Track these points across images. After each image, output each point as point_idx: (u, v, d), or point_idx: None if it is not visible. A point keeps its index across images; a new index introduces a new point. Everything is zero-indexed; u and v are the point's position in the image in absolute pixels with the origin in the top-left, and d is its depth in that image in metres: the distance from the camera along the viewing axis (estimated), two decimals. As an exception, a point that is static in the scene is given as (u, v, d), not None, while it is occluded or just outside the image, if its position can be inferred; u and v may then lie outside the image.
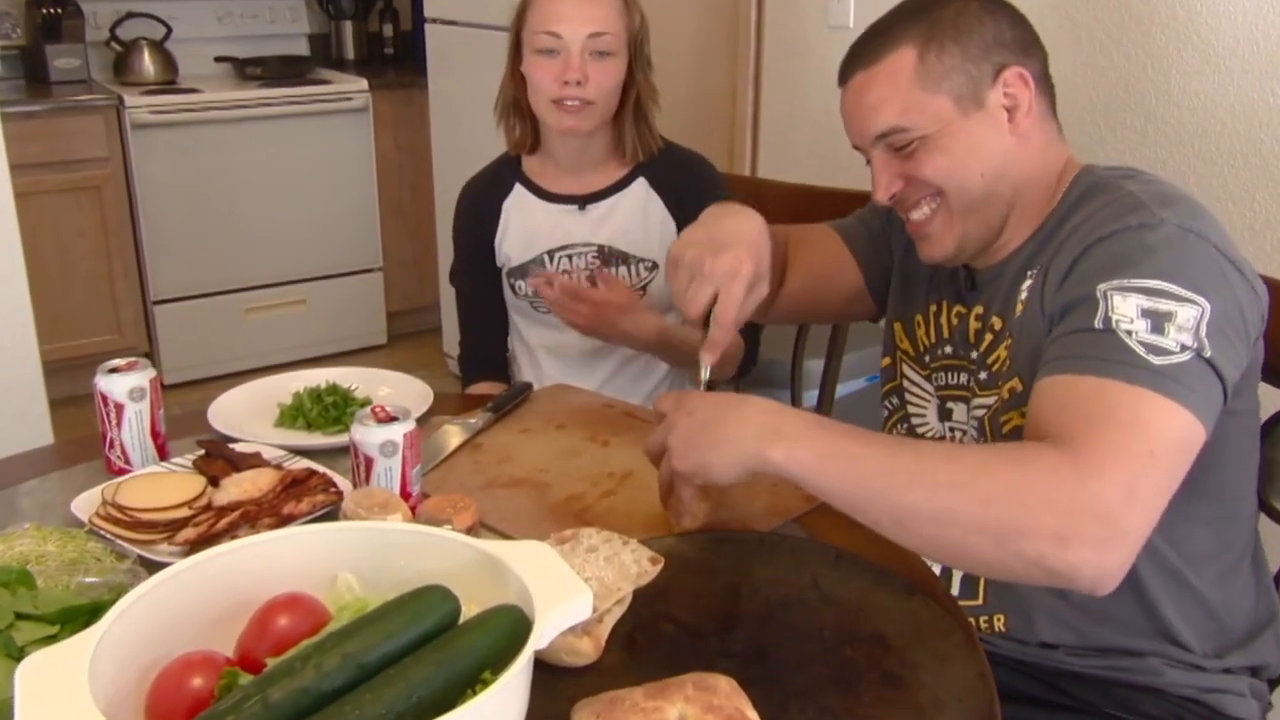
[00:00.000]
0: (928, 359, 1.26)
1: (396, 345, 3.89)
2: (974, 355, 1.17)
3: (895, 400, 1.30)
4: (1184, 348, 0.93)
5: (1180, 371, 0.92)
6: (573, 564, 0.92)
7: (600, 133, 1.65)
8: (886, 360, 1.31)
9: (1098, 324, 0.95)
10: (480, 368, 1.77)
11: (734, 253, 1.11)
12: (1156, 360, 0.92)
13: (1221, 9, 1.88)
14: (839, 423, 0.98)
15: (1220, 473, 1.06)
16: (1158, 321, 0.94)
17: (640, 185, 1.68)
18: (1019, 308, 1.10)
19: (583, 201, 1.69)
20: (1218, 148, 1.92)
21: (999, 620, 1.14)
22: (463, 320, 1.80)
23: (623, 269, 1.67)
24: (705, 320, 1.12)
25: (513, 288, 1.71)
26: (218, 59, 3.72)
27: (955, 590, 1.17)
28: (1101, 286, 0.97)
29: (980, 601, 1.16)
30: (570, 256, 1.68)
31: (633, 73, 1.63)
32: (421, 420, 1.36)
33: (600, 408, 1.47)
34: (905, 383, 1.28)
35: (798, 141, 2.74)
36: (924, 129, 1.09)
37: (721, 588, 1.01)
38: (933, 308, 1.25)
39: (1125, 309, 0.95)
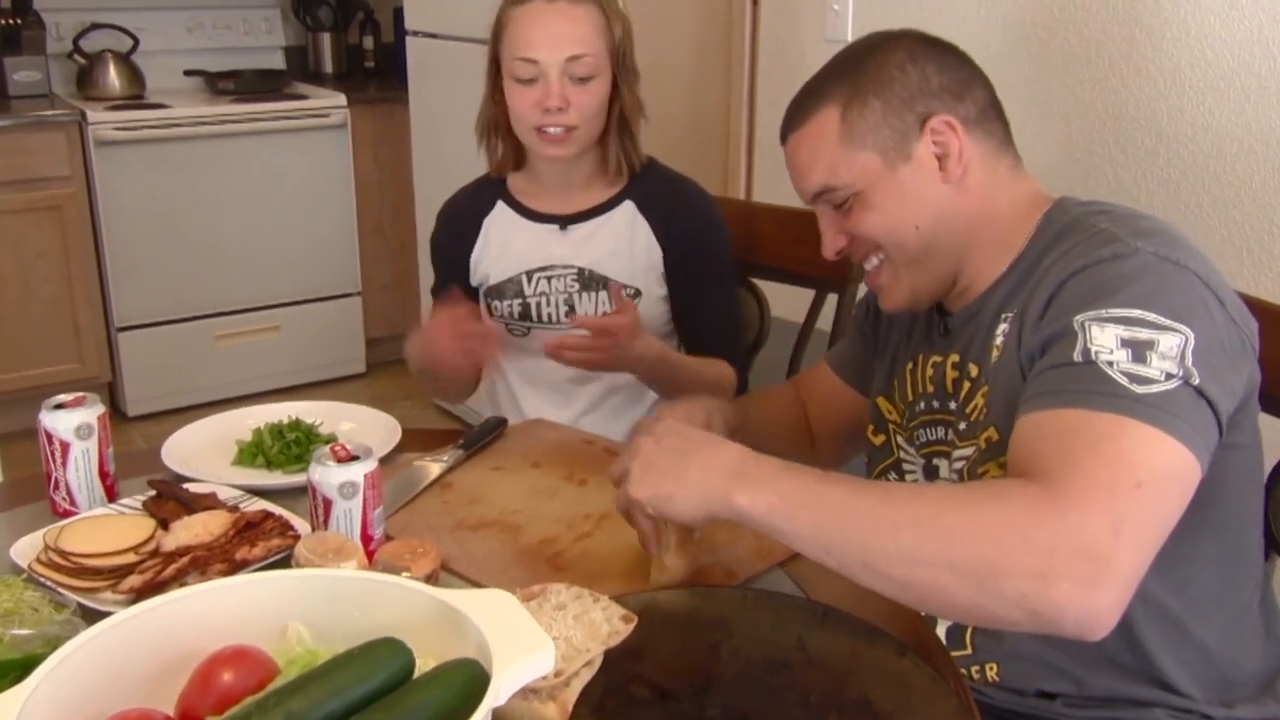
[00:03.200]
0: (907, 418, 1.27)
1: (376, 374, 3.90)
2: (953, 405, 1.18)
3: (893, 476, 1.30)
4: (1169, 376, 0.93)
5: (1166, 400, 0.92)
6: (539, 623, 0.92)
7: (586, 154, 1.66)
8: (881, 438, 1.32)
9: (1077, 357, 0.96)
10: None
11: (686, 402, 1.25)
12: (1140, 389, 0.92)
13: (1236, 23, 1.90)
14: (809, 467, 0.98)
15: (1222, 510, 1.06)
16: (1139, 350, 0.94)
17: (627, 208, 1.69)
18: (995, 353, 1.11)
19: (565, 222, 1.70)
20: (1234, 168, 1.93)
21: (991, 670, 1.14)
22: None
23: (602, 293, 1.68)
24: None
25: (490, 308, 1.72)
26: (187, 72, 3.74)
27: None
28: (1078, 318, 0.98)
29: (969, 651, 1.16)
30: (549, 278, 1.69)
31: (617, 86, 1.64)
32: (388, 458, 1.36)
33: (579, 444, 1.47)
34: (901, 454, 1.29)
35: (796, 160, 2.76)
36: (853, 186, 1.13)
37: (700, 647, 1.01)
38: (909, 365, 1.26)
39: (1104, 340, 0.95)
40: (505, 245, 1.71)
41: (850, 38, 2.52)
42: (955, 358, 1.18)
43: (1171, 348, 0.94)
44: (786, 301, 1.89)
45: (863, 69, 1.13)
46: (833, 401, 1.44)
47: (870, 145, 1.11)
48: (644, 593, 1.06)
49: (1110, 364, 0.94)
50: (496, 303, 1.71)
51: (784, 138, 1.20)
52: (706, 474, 0.98)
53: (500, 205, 1.73)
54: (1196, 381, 0.94)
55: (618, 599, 0.98)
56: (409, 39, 3.33)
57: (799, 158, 1.17)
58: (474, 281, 1.74)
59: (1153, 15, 2.01)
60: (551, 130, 1.59)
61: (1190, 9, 1.95)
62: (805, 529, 0.94)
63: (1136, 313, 0.96)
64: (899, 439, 1.29)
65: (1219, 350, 0.97)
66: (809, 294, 1.81)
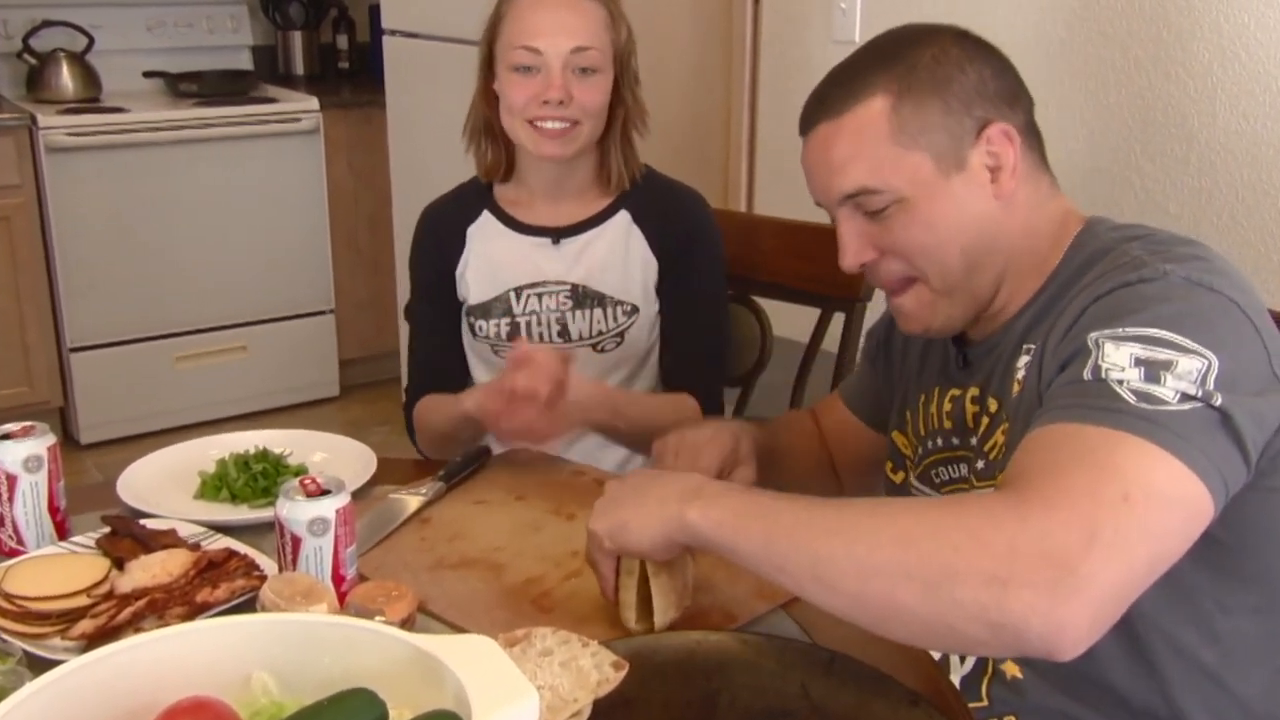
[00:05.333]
0: (920, 455, 1.27)
1: (351, 398, 3.90)
2: (973, 441, 1.18)
3: None
4: (1184, 397, 0.92)
5: (1175, 421, 0.90)
6: (524, 670, 0.92)
7: (583, 158, 1.67)
8: (900, 475, 1.32)
9: (1086, 374, 0.96)
10: (429, 394, 1.70)
11: (712, 428, 1.28)
12: (1146, 407, 0.91)
13: (1271, 21, 1.91)
14: (771, 491, 1.00)
15: (1261, 560, 1.06)
16: (1153, 370, 0.93)
17: (622, 219, 1.70)
18: (1015, 387, 1.10)
19: (557, 235, 1.70)
20: (1271, 177, 1.95)
21: (1011, 724, 1.14)
22: (414, 356, 1.78)
23: (597, 311, 1.68)
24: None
25: (473, 328, 1.72)
26: (147, 74, 3.76)
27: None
28: (1093, 335, 0.98)
29: (985, 703, 1.16)
30: (540, 295, 1.69)
31: (619, 91, 1.65)
32: (362, 491, 1.37)
33: (567, 475, 1.48)
34: (914, 493, 1.29)
35: (799, 172, 2.77)
36: (898, 191, 1.09)
37: (696, 696, 1.01)
38: (921, 398, 1.26)
39: (1117, 358, 0.95)
40: (491, 259, 1.71)
41: (859, 39, 2.54)
42: (975, 391, 1.17)
43: (1191, 371, 0.93)
44: (790, 320, 1.90)
45: (915, 61, 1.08)
46: (848, 436, 1.44)
47: (924, 146, 1.07)
48: (636, 637, 1.06)
49: (1120, 382, 0.93)
50: (481, 322, 1.71)
51: (810, 126, 1.14)
52: (663, 499, 1.01)
53: (486, 215, 1.73)
54: (1218, 403, 0.92)
55: (608, 644, 0.98)
56: (386, 38, 3.35)
57: (833, 151, 1.10)
58: (459, 296, 1.74)
59: (1181, 14, 2.03)
60: (550, 125, 1.60)
61: (1222, 6, 1.97)
62: (756, 543, 0.95)
63: (1157, 332, 0.95)
64: (914, 477, 1.29)
65: (1250, 380, 0.95)
66: (814, 313, 1.82)
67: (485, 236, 1.72)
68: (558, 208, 1.70)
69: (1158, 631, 1.07)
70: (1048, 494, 0.88)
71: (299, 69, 4.08)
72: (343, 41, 4.16)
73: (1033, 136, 1.14)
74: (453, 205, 1.76)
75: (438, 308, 1.75)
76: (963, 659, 1.19)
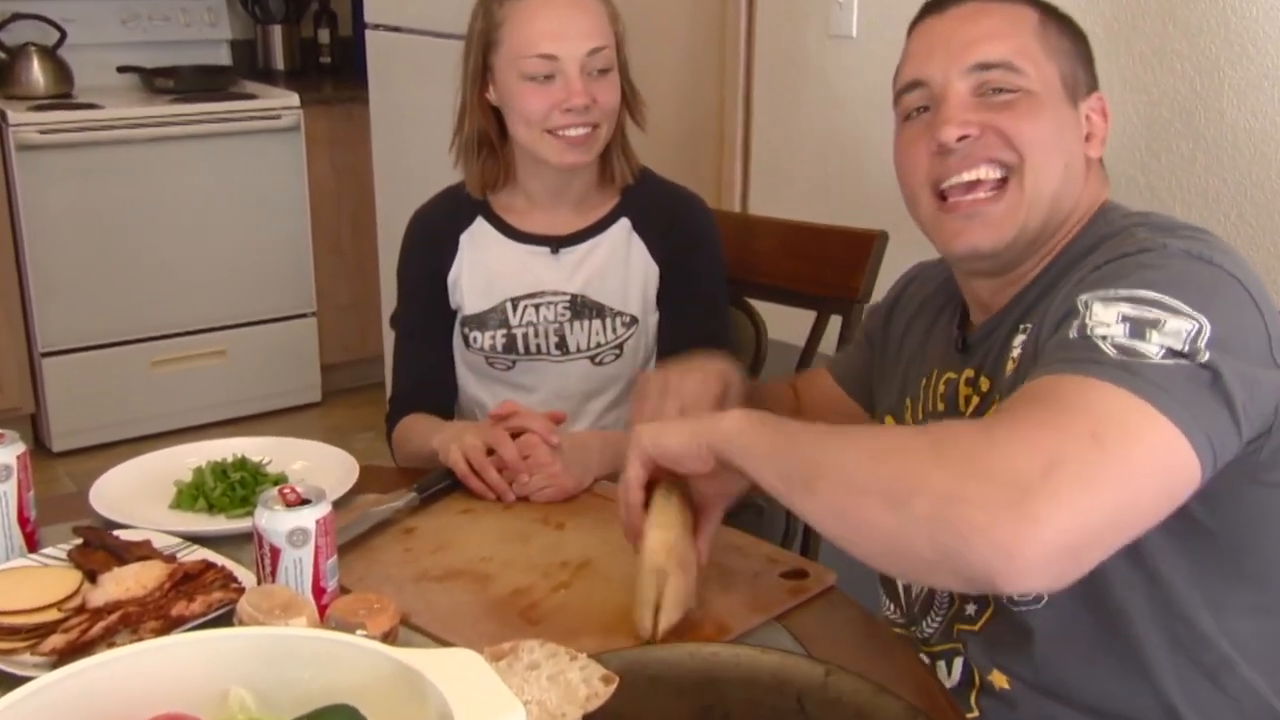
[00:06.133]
0: None
1: (333, 404, 3.89)
2: (965, 416, 1.19)
3: None
4: (1169, 353, 0.92)
5: (1157, 373, 0.91)
6: (510, 684, 0.92)
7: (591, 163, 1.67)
8: None
9: (1072, 334, 0.97)
10: (415, 408, 1.70)
11: (700, 373, 1.27)
12: (1126, 359, 0.92)
13: (1280, 15, 1.92)
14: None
15: (1261, 557, 1.07)
16: (1138, 327, 0.94)
17: (622, 227, 1.70)
18: (1009, 365, 1.12)
19: (556, 244, 1.69)
20: (1279, 175, 1.95)
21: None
22: (399, 366, 1.77)
23: (596, 323, 1.68)
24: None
25: (466, 339, 1.72)
26: (121, 69, 3.75)
27: None
28: (1084, 297, 0.99)
29: (976, 714, 1.17)
30: (537, 306, 1.68)
31: (629, 83, 1.66)
32: (344, 500, 1.37)
33: (556, 484, 1.48)
34: None
35: (796, 170, 2.78)
36: (1033, 83, 1.13)
37: (689, 711, 1.01)
38: (923, 382, 1.28)
39: (1104, 315, 0.96)
40: (487, 269, 1.70)
41: (856, 34, 2.54)
42: (970, 373, 1.19)
43: (1180, 330, 0.93)
44: (786, 323, 1.90)
45: (1051, 4, 1.17)
46: (829, 412, 1.45)
47: (1058, 63, 1.14)
48: (628, 650, 1.07)
49: (1104, 338, 0.94)
50: (476, 334, 1.70)
51: (952, 3, 1.17)
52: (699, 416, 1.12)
53: (480, 222, 1.72)
54: (1205, 360, 0.91)
55: (597, 657, 0.98)
56: (369, 33, 3.34)
57: (983, 22, 1.14)
58: (452, 303, 1.74)
59: (1188, 7, 2.03)
60: (573, 132, 1.59)
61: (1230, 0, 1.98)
62: (765, 452, 1.01)
63: (1147, 293, 0.96)
64: None
65: (1246, 351, 0.95)
66: (810, 315, 1.82)
67: (480, 245, 1.71)
68: (556, 215, 1.70)
69: (1149, 633, 1.07)
70: (1014, 422, 0.90)
71: (279, 64, 4.08)
72: (324, 36, 4.16)
73: None
74: (444, 210, 1.75)
75: (428, 316, 1.74)
76: (949, 672, 1.19)
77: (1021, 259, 1.16)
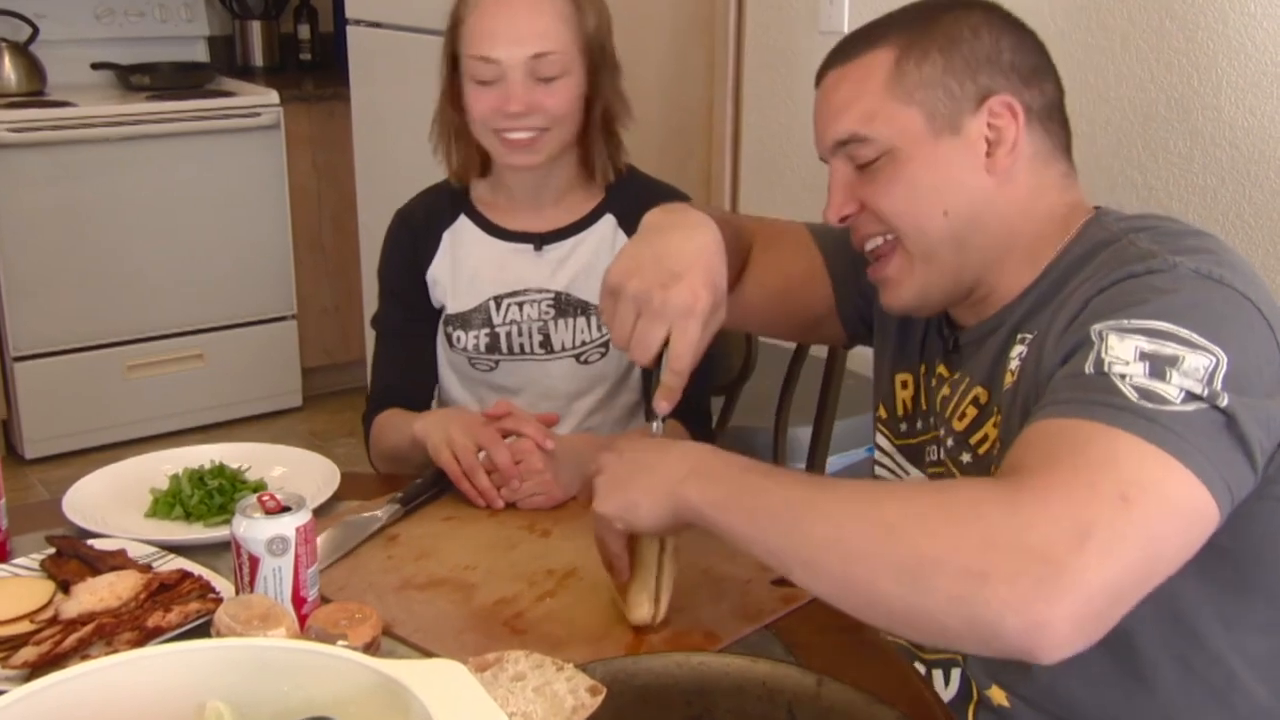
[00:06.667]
0: (904, 429, 1.28)
1: (314, 408, 3.89)
2: (955, 427, 1.19)
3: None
4: (1189, 396, 0.92)
5: (1178, 422, 0.91)
6: (495, 696, 0.92)
7: (564, 158, 1.66)
8: (884, 412, 1.33)
9: (1088, 368, 0.96)
10: (392, 406, 1.70)
11: (688, 283, 1.14)
12: (1149, 406, 0.92)
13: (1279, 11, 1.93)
14: (774, 466, 1.02)
15: (1272, 571, 1.06)
16: (1158, 366, 0.94)
17: (607, 224, 1.70)
18: (1008, 378, 1.11)
19: (539, 240, 1.70)
20: (1278, 173, 1.96)
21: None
22: (378, 366, 1.77)
23: (580, 320, 1.68)
24: (655, 364, 1.16)
25: (450, 339, 1.72)
26: (95, 65, 3.74)
27: None
28: (1097, 327, 0.98)
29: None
30: (521, 305, 1.69)
31: (596, 82, 1.64)
32: (324, 508, 1.36)
33: (542, 490, 1.48)
34: (900, 474, 1.30)
35: (786, 167, 2.79)
36: (887, 143, 1.11)
37: (678, 720, 1.01)
38: (923, 368, 1.27)
39: (1121, 351, 0.95)
40: (470, 267, 1.71)
41: (847, 29, 2.55)
42: (962, 379, 1.18)
43: (1198, 368, 0.93)
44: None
45: (934, 21, 1.13)
46: (788, 263, 1.38)
47: (918, 102, 1.10)
48: (615, 660, 1.07)
49: (1123, 376, 0.94)
50: (460, 334, 1.71)
51: (823, 74, 1.18)
52: (665, 477, 1.05)
53: (463, 219, 1.72)
54: (1224, 404, 0.92)
55: (584, 667, 0.98)
56: (350, 28, 3.34)
57: (834, 97, 1.15)
58: (433, 303, 1.74)
59: (1185, 3, 2.04)
60: (516, 135, 1.59)
61: (1226, -4, 1.99)
62: (747, 524, 0.98)
63: (1163, 325, 0.96)
64: (902, 457, 1.30)
65: (1260, 380, 0.96)
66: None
67: (462, 242, 1.72)
68: (539, 212, 1.70)
69: (1156, 649, 1.07)
70: (1039, 487, 0.89)
71: (258, 60, 4.07)
72: (304, 31, 4.15)
73: (1052, 122, 1.15)
74: (426, 207, 1.76)
75: (408, 315, 1.74)
76: (946, 683, 1.20)
77: (966, 291, 1.16)
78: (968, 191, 1.12)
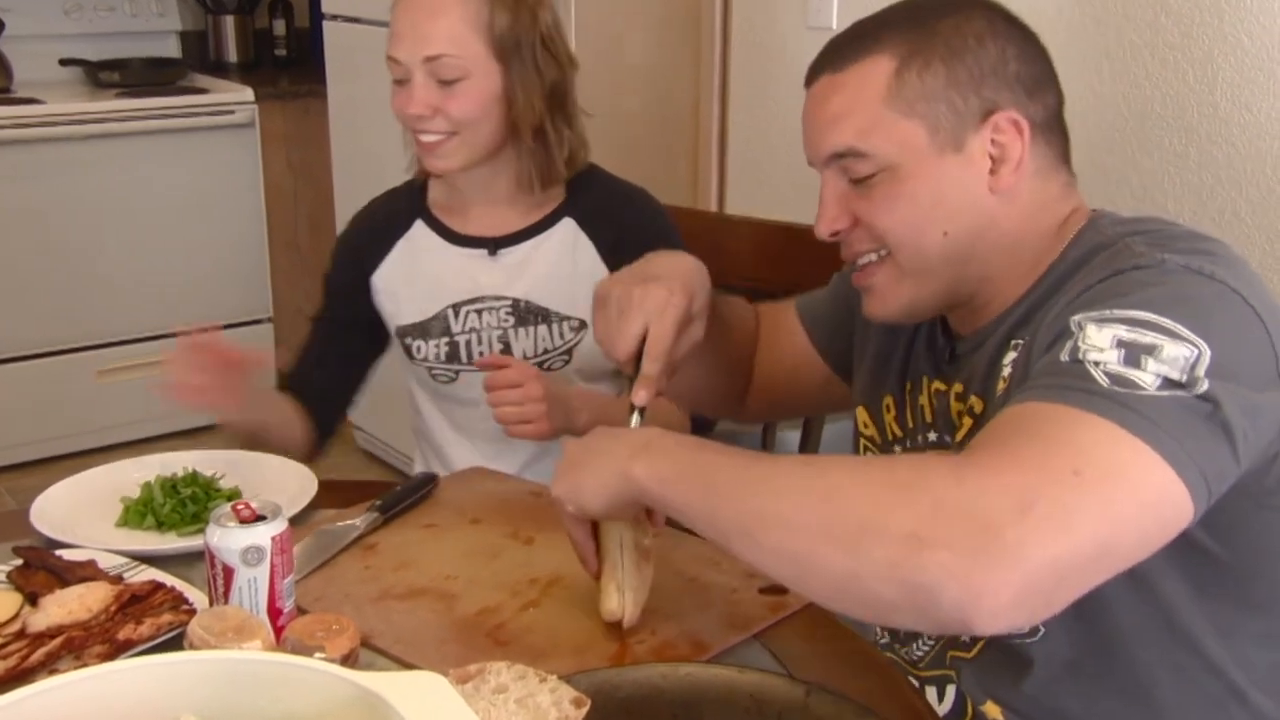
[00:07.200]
0: (900, 450, 1.28)
1: (289, 414, 3.88)
2: (956, 439, 1.19)
3: None
4: (1166, 383, 0.91)
5: (1149, 406, 0.90)
6: (476, 708, 0.92)
7: (500, 162, 1.65)
8: (876, 436, 1.33)
9: (1064, 357, 0.96)
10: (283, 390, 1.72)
11: (664, 283, 1.20)
12: (1120, 390, 0.91)
13: (1276, 5, 1.94)
14: (728, 445, 1.03)
15: (1271, 582, 1.07)
16: (1134, 354, 0.93)
17: (566, 226, 1.70)
18: (1001, 385, 1.11)
19: (494, 245, 1.69)
20: (1275, 170, 1.97)
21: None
22: (294, 355, 1.79)
23: (542, 328, 1.68)
24: (635, 362, 1.20)
25: (409, 350, 1.72)
26: (64, 61, 3.73)
27: None
28: (1077, 317, 0.98)
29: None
30: (479, 312, 1.69)
31: (514, 86, 1.60)
32: (301, 516, 1.36)
33: (525, 497, 1.48)
34: None
35: (774, 167, 2.79)
36: (886, 159, 1.09)
37: (663, 732, 1.01)
38: (908, 385, 1.26)
39: (1098, 339, 0.95)
40: (426, 274, 1.71)
41: (836, 25, 2.56)
42: (959, 388, 1.18)
43: (1178, 357, 0.92)
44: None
45: (934, 27, 1.10)
46: (787, 356, 1.44)
47: (919, 114, 1.08)
48: (600, 671, 1.07)
49: (1096, 364, 0.93)
50: (419, 343, 1.71)
51: (813, 78, 1.15)
52: (613, 455, 1.06)
53: (419, 225, 1.73)
54: (1204, 391, 0.91)
55: (568, 679, 0.98)
56: (327, 24, 3.34)
57: (827, 106, 1.12)
58: (382, 310, 1.73)
59: (1179, -2, 2.06)
60: (426, 138, 1.60)
61: (1221, -9, 2.00)
62: (695, 498, 1.00)
63: (1145, 315, 0.95)
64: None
65: (1248, 374, 0.94)
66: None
67: (419, 249, 1.72)
68: (494, 215, 1.70)
69: (1154, 660, 1.08)
70: (990, 460, 0.89)
71: (232, 56, 4.06)
72: (279, 27, 4.15)
73: (1053, 133, 1.14)
74: (384, 212, 1.77)
75: (334, 311, 1.76)
76: (940, 699, 1.20)
77: (958, 303, 1.16)
78: (970, 211, 1.10)
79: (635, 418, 1.21)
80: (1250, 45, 1.98)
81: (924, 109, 1.09)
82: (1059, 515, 0.85)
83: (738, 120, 2.87)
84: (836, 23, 2.56)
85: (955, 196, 1.10)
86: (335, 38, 3.34)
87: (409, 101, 1.57)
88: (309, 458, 1.62)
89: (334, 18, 3.31)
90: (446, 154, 1.60)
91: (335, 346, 1.77)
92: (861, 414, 1.33)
